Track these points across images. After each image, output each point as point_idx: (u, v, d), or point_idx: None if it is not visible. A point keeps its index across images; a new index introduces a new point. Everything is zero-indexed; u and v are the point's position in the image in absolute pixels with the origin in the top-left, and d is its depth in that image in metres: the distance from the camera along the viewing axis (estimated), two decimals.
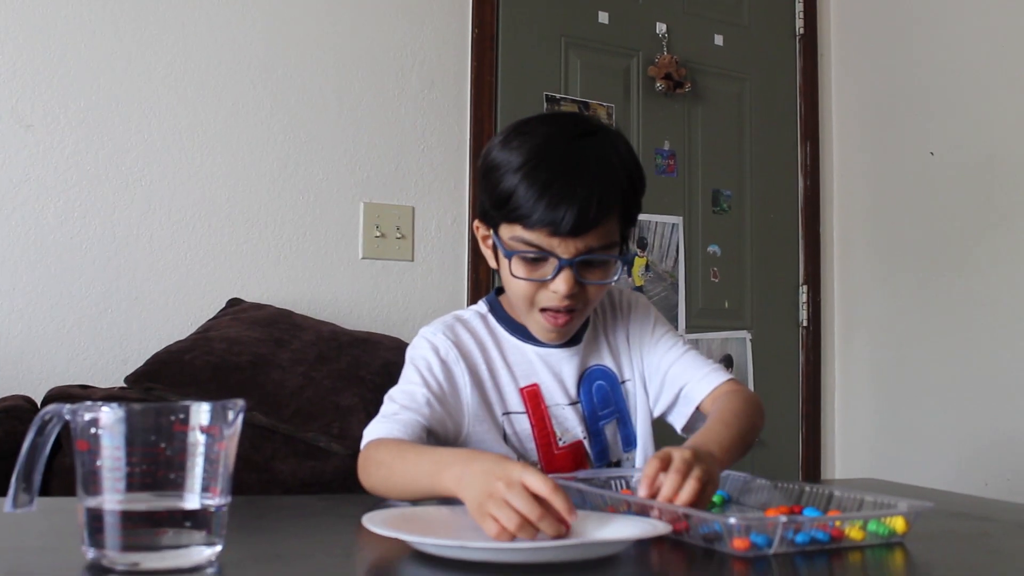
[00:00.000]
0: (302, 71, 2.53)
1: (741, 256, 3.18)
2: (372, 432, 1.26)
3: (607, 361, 1.41)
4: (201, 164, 2.40)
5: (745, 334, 3.15)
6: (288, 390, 2.01)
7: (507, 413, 1.35)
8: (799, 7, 3.31)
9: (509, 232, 1.26)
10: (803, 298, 3.25)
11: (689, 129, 3.10)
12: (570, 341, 1.38)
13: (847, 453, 3.22)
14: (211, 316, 2.31)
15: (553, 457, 1.34)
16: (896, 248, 3.06)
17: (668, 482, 1.01)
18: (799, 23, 3.31)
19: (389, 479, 1.18)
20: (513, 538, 0.89)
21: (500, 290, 1.42)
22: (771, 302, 3.21)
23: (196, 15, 2.41)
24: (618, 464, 1.39)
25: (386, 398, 1.32)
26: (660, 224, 3.02)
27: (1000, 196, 2.74)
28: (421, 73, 2.69)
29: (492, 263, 1.35)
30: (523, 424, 1.34)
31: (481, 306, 1.42)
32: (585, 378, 1.38)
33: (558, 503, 0.89)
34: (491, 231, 1.31)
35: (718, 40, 3.17)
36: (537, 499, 0.90)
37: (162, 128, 2.36)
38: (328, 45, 2.57)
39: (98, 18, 2.31)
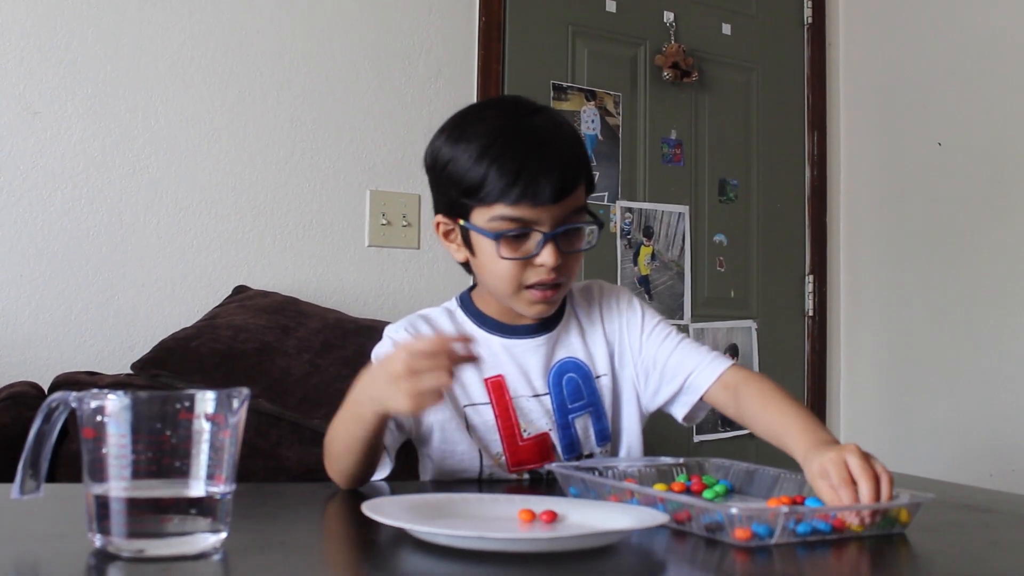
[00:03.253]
0: (309, 59, 2.53)
1: (747, 245, 3.17)
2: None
3: (580, 354, 1.40)
4: (208, 151, 2.41)
5: (751, 324, 3.15)
6: (294, 377, 2.02)
7: (470, 404, 1.34)
8: None
9: (487, 215, 1.26)
10: (809, 288, 3.24)
11: (696, 118, 3.09)
12: (537, 331, 1.38)
13: (852, 443, 3.22)
14: (217, 303, 2.32)
15: (518, 448, 1.34)
16: (903, 238, 3.06)
17: (864, 490, 1.01)
18: (807, 12, 3.30)
19: (335, 453, 1.21)
20: (429, 393, 1.04)
21: (471, 288, 1.43)
22: (777, 292, 3.21)
23: (203, 3, 2.41)
24: (590, 457, 1.38)
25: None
26: (666, 213, 3.02)
27: (1007, 187, 2.73)
28: (428, 61, 2.69)
29: (458, 256, 1.35)
30: (487, 415, 1.34)
31: (451, 303, 1.44)
32: (555, 370, 1.38)
33: (441, 344, 1.05)
34: (457, 223, 1.31)
35: (726, 29, 3.16)
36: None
37: (169, 115, 2.37)
38: (335, 33, 2.57)
39: (105, 5, 2.31)
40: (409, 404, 1.05)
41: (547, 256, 1.26)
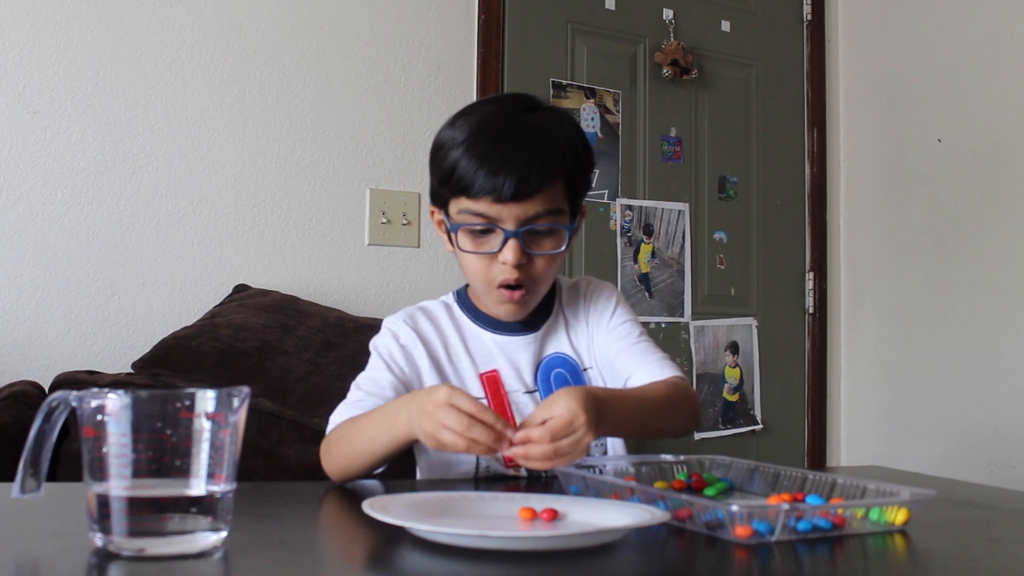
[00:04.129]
0: (308, 57, 2.53)
1: (747, 243, 3.17)
2: (337, 418, 1.30)
3: (567, 348, 1.41)
4: (207, 150, 2.41)
5: (751, 321, 3.15)
6: (294, 376, 2.02)
7: None
8: None
9: (456, 207, 1.28)
10: (809, 285, 3.24)
11: (696, 115, 3.09)
12: (527, 328, 1.39)
13: (853, 440, 3.23)
14: (217, 302, 2.32)
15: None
16: (903, 235, 3.06)
17: (535, 449, 1.05)
18: (806, 9, 3.30)
19: (349, 450, 1.22)
20: (468, 450, 1.05)
21: (468, 283, 1.43)
22: (777, 289, 3.21)
23: (202, 2, 2.41)
24: None
25: (352, 385, 1.35)
26: (666, 210, 3.02)
27: (1007, 183, 2.73)
28: (427, 59, 2.69)
29: (448, 247, 1.36)
30: None
31: (448, 297, 1.45)
32: (544, 365, 1.39)
33: (487, 418, 1.04)
34: (442, 212, 1.33)
35: (725, 26, 3.16)
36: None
37: (168, 114, 2.37)
38: (334, 31, 2.57)
39: (104, 5, 2.31)
40: (433, 445, 1.08)
41: (508, 253, 1.26)
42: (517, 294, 1.30)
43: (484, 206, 1.25)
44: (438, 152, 1.31)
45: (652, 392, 1.30)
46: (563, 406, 1.07)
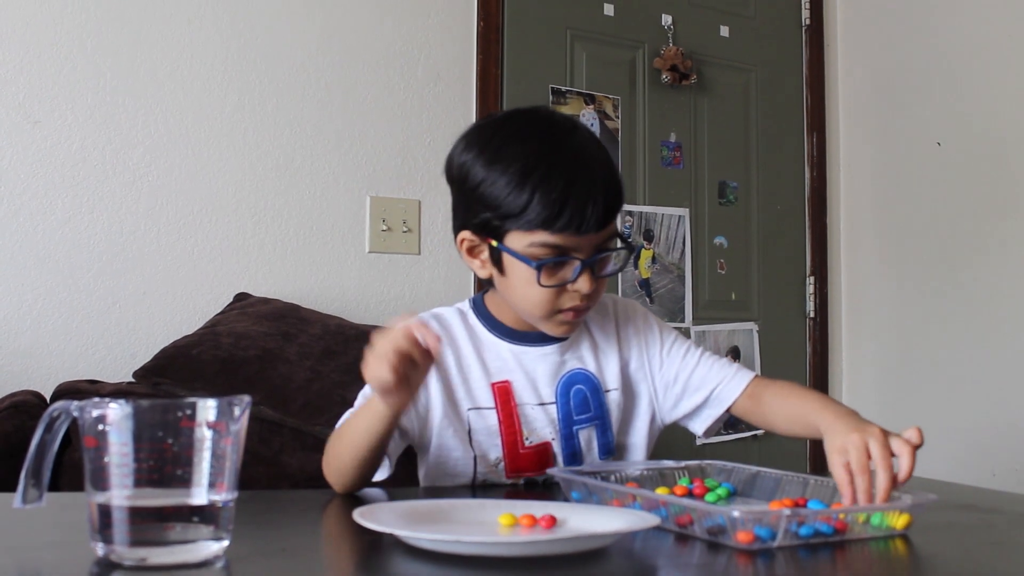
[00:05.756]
0: (307, 65, 2.54)
1: (748, 248, 3.17)
2: (337, 426, 1.30)
3: (591, 367, 1.39)
4: (208, 159, 2.41)
5: (752, 326, 3.15)
6: (296, 384, 2.02)
7: (474, 408, 1.33)
8: None
9: (526, 240, 1.23)
10: (810, 289, 3.24)
11: (695, 121, 3.10)
12: (546, 339, 1.36)
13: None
14: (218, 310, 2.32)
15: (518, 455, 1.33)
16: (903, 239, 3.06)
17: (881, 481, 1.03)
18: (805, 14, 3.30)
19: (339, 447, 1.22)
20: (394, 373, 1.07)
21: (485, 291, 1.41)
22: (778, 294, 3.21)
23: (202, 11, 2.42)
24: None
25: (360, 394, 1.33)
26: (666, 216, 3.02)
27: (1007, 187, 2.73)
28: (427, 66, 2.69)
29: (482, 273, 1.32)
30: (491, 419, 1.33)
31: (464, 304, 1.42)
32: (564, 380, 1.37)
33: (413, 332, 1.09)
34: (488, 242, 1.28)
35: (724, 32, 3.17)
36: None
37: (168, 123, 2.37)
38: (333, 39, 2.57)
39: (104, 15, 2.31)
40: (378, 379, 1.09)
41: (583, 283, 1.25)
42: (581, 314, 1.30)
43: (565, 239, 1.22)
44: (481, 186, 1.25)
45: (800, 390, 1.35)
46: (849, 439, 1.09)
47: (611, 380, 1.39)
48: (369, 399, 1.19)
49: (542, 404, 1.35)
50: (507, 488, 1.33)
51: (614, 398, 1.39)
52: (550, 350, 1.37)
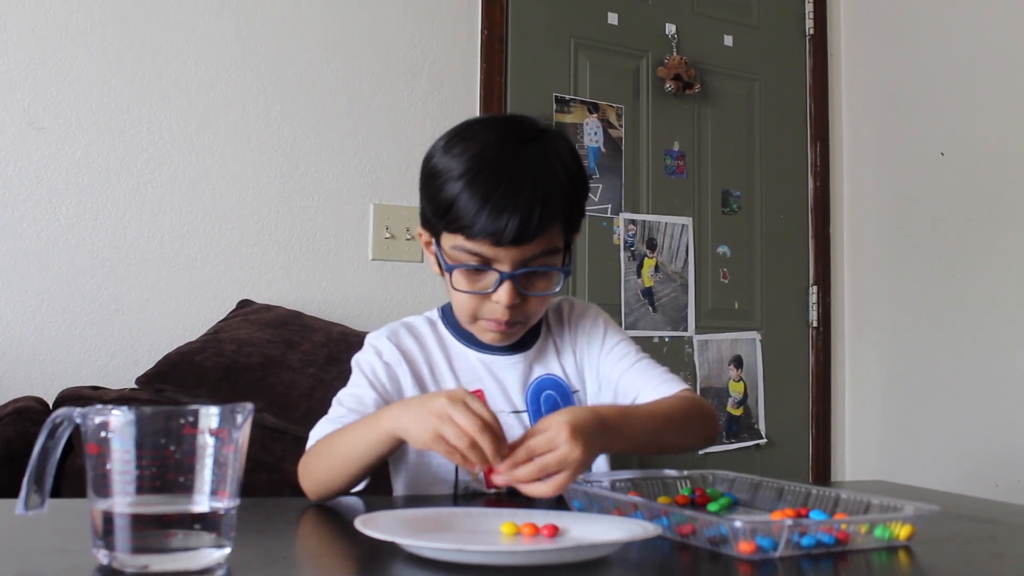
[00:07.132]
0: (312, 73, 2.54)
1: (751, 257, 3.17)
2: (317, 434, 1.27)
3: (557, 371, 1.39)
4: (211, 166, 2.41)
5: (755, 335, 3.14)
6: (298, 391, 2.02)
7: None
8: (809, 7, 3.30)
9: (451, 242, 1.25)
10: (813, 299, 3.24)
11: (699, 130, 3.10)
12: (515, 348, 1.37)
13: (857, 454, 3.22)
14: (221, 317, 2.32)
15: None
16: (906, 248, 3.05)
17: (525, 469, 1.03)
18: (809, 23, 3.30)
19: (330, 460, 1.18)
20: (465, 461, 1.02)
21: None
22: (781, 303, 3.21)
23: (206, 18, 2.43)
24: None
25: (334, 401, 1.32)
26: (670, 225, 3.02)
27: (1010, 197, 2.73)
28: (431, 74, 2.70)
29: (435, 269, 1.34)
30: None
31: (433, 313, 1.43)
32: (534, 387, 1.37)
33: (497, 429, 1.02)
34: (433, 239, 1.30)
35: (728, 40, 3.17)
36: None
37: (172, 130, 2.37)
38: (338, 47, 2.58)
39: (109, 21, 2.32)
40: (427, 438, 1.04)
41: (502, 295, 1.24)
42: (506, 327, 1.29)
43: (482, 247, 1.22)
44: (433, 180, 1.26)
45: (663, 407, 1.28)
46: (546, 423, 1.06)
47: (575, 381, 1.40)
48: (376, 423, 1.14)
49: (515, 412, 1.36)
50: (489, 497, 1.32)
51: (582, 399, 1.40)
52: (517, 358, 1.37)
